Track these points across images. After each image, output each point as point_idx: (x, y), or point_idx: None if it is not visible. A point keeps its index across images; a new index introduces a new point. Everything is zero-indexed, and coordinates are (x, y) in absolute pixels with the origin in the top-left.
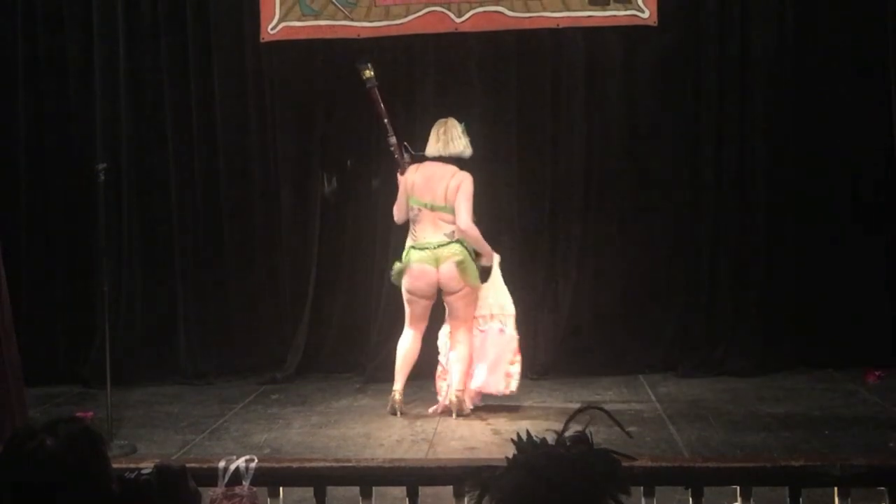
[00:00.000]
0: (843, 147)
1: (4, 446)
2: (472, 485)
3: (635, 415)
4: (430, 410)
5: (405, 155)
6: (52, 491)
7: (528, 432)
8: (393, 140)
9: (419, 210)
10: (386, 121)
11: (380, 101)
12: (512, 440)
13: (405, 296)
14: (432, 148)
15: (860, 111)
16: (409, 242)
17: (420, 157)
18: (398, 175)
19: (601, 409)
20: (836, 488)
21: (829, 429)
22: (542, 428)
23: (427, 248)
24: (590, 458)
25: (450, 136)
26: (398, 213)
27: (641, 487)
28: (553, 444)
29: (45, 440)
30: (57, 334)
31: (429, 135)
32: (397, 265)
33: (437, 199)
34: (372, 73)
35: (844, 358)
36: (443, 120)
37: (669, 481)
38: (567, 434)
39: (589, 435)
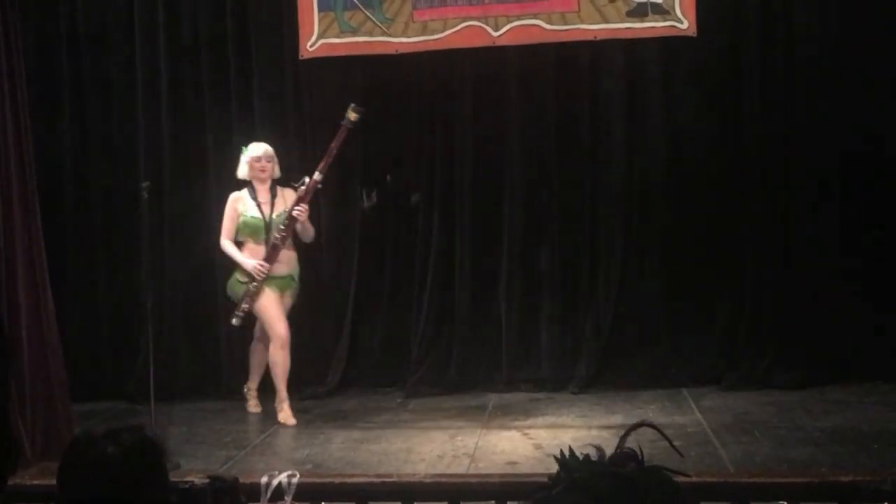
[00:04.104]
0: (889, 154)
1: (65, 453)
2: None
3: (679, 429)
4: None
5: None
6: (112, 499)
7: (570, 449)
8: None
9: None
10: (330, 161)
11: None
12: (555, 457)
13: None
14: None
15: None
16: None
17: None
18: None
19: (653, 426)
20: None
21: (878, 443)
22: (584, 443)
23: None
24: (644, 476)
25: None
26: None
27: None
28: (606, 461)
29: (106, 448)
30: (101, 351)
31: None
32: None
33: None
34: (358, 117)
35: (893, 370)
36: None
37: (715, 497)
38: (617, 451)
39: (639, 452)
